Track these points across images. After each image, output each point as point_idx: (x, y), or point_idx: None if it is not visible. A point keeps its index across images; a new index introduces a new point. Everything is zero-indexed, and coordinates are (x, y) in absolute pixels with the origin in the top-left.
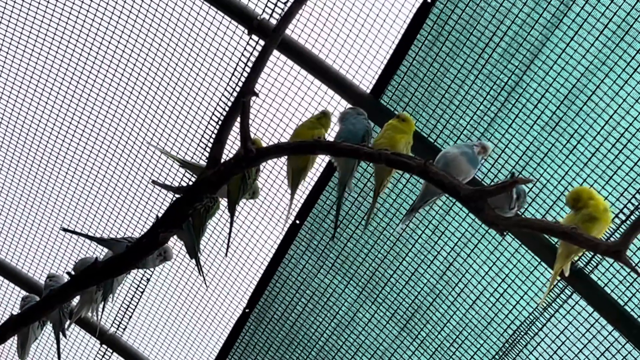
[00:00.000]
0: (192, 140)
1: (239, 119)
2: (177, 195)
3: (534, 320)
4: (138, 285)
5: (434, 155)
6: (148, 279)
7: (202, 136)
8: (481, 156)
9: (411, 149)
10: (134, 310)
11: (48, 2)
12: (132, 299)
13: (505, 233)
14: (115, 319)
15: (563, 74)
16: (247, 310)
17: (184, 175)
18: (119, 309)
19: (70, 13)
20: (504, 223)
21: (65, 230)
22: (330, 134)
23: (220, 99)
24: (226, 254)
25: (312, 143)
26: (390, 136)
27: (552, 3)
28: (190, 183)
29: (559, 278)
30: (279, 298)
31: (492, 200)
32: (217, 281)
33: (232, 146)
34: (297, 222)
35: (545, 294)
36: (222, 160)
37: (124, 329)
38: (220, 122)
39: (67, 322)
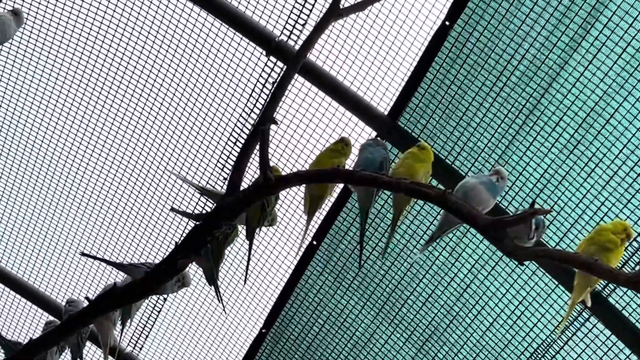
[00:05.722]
0: (209, 162)
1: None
2: (195, 222)
3: (551, 344)
4: (155, 305)
5: (451, 177)
6: (165, 299)
7: (219, 158)
8: (500, 183)
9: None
10: (150, 329)
11: (65, 27)
12: (149, 318)
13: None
14: (132, 338)
15: (581, 97)
16: (263, 331)
17: (198, 200)
18: (136, 328)
19: (87, 37)
20: (522, 253)
21: (84, 254)
22: (351, 165)
23: (238, 120)
24: (245, 282)
25: (331, 171)
26: (409, 165)
27: (571, 26)
28: (208, 210)
29: (579, 307)
30: (296, 319)
31: (511, 230)
32: (234, 301)
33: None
34: (314, 243)
35: (562, 321)
36: (241, 188)
37: (141, 349)
38: (237, 146)
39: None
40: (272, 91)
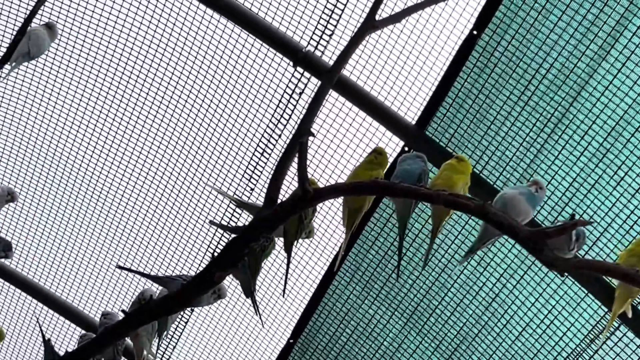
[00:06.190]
0: (236, 171)
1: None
2: (233, 235)
3: (581, 352)
4: (182, 316)
5: (479, 187)
6: (192, 310)
7: (246, 169)
8: (539, 194)
9: None
10: (177, 340)
11: (92, 40)
12: (175, 329)
13: (565, 274)
14: (158, 349)
15: (610, 105)
16: (291, 341)
17: (225, 210)
18: (163, 339)
19: (114, 50)
20: (563, 264)
21: (120, 267)
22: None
23: (265, 130)
24: (283, 294)
25: (370, 184)
26: (448, 177)
27: (599, 34)
28: (240, 221)
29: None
30: (324, 328)
31: (551, 241)
32: (261, 311)
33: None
34: (342, 252)
35: (604, 332)
36: (279, 201)
37: None
38: (264, 156)
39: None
40: (308, 104)
